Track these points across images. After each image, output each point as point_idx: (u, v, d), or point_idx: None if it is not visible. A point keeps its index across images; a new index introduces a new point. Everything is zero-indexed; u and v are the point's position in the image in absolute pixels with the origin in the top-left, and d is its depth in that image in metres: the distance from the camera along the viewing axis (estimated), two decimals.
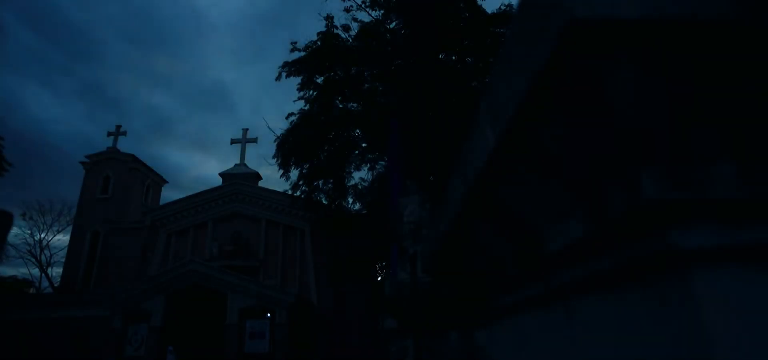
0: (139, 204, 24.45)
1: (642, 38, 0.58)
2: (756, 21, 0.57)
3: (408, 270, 4.30)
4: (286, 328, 15.25)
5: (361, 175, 23.79)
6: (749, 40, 0.58)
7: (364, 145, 16.67)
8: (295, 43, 16.06)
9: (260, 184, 23.20)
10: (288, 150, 16.25)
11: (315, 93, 16.13)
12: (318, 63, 15.82)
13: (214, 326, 15.25)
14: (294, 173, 16.67)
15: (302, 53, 16.04)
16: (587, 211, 0.78)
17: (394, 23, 15.85)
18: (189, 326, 15.92)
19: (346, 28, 15.90)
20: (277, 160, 16.59)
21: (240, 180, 22.00)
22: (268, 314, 15.39)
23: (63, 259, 23.35)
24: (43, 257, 27.77)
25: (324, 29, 15.87)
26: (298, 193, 16.93)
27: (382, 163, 15.77)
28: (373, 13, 15.99)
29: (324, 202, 17.41)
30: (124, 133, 25.67)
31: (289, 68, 16.12)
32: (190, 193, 22.17)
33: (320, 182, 16.92)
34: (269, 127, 19.58)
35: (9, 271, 31.05)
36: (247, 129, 23.85)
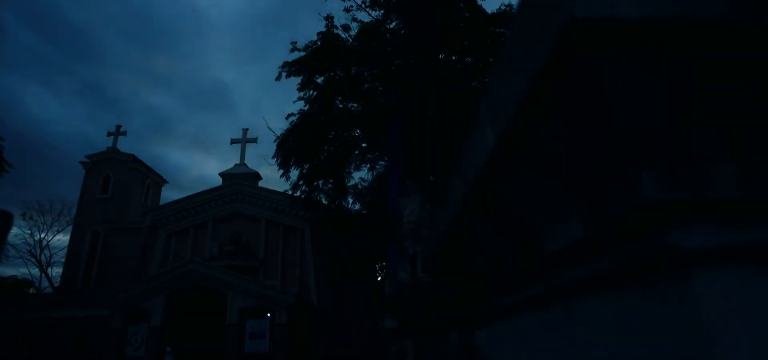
0: (139, 204, 24.46)
1: (642, 38, 0.58)
2: (756, 21, 0.57)
3: (408, 270, 4.30)
4: (286, 328, 15.25)
5: (361, 175, 23.82)
6: (749, 40, 0.58)
7: (364, 145, 16.68)
8: (295, 43, 16.08)
9: (260, 184, 23.20)
10: (288, 150, 16.25)
11: (315, 93, 16.13)
12: (318, 63, 15.82)
13: (214, 326, 15.25)
14: (294, 173, 16.69)
15: (302, 53, 16.05)
16: (587, 211, 0.78)
17: (394, 23, 15.86)
18: (189, 326, 15.92)
19: (346, 28, 15.91)
20: (277, 160, 16.60)
21: (240, 180, 22.00)
22: (268, 314, 15.38)
23: (63, 259, 23.38)
24: (43, 257, 27.80)
25: (324, 29, 15.88)
26: (298, 193, 16.93)
27: (382, 163, 15.77)
28: (373, 13, 16.00)
29: (324, 202, 17.42)
30: (124, 133, 25.67)
31: (289, 68, 16.12)
32: (190, 193, 22.19)
33: (320, 182, 16.92)
34: (269, 127, 19.61)
35: (9, 271, 31.12)
36: (247, 129, 23.87)
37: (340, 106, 16.44)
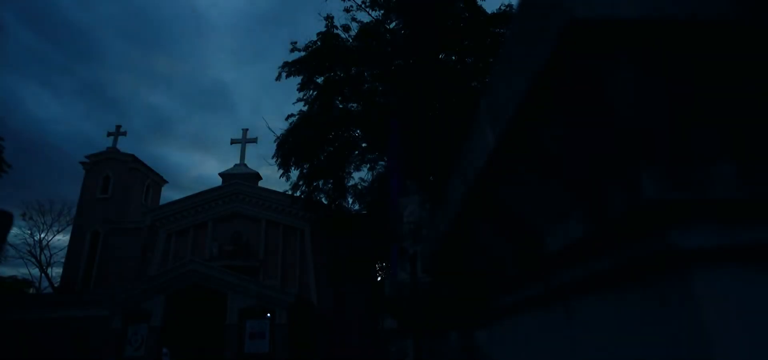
0: (139, 204, 24.46)
1: (642, 38, 0.58)
2: (756, 21, 0.57)
3: (408, 270, 4.30)
4: (286, 328, 15.25)
5: (361, 175, 23.82)
6: (749, 40, 0.58)
7: (364, 145, 16.68)
8: (295, 43, 16.08)
9: (260, 184, 23.21)
10: (288, 150, 16.25)
11: (315, 93, 16.13)
12: (318, 63, 15.82)
13: (214, 326, 15.25)
14: (294, 173, 16.69)
15: (302, 53, 16.05)
16: (587, 211, 0.78)
17: (394, 23, 15.85)
18: (189, 326, 15.92)
19: (346, 28, 15.91)
20: (277, 161, 16.60)
21: (240, 180, 22.00)
22: (268, 314, 15.39)
23: (63, 259, 23.38)
24: (43, 257, 27.81)
25: (324, 29, 15.88)
26: (298, 193, 16.93)
27: (382, 163, 15.78)
28: (373, 13, 16.00)
29: (324, 202, 17.42)
30: (124, 133, 25.68)
31: (289, 68, 16.12)
32: (190, 193, 22.20)
33: (320, 182, 16.92)
34: (269, 128, 19.61)
35: (9, 271, 31.16)
36: (247, 129, 23.87)
37: (340, 106, 16.44)
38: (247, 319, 15.26)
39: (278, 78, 16.26)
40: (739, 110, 0.62)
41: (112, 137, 25.29)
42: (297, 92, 16.27)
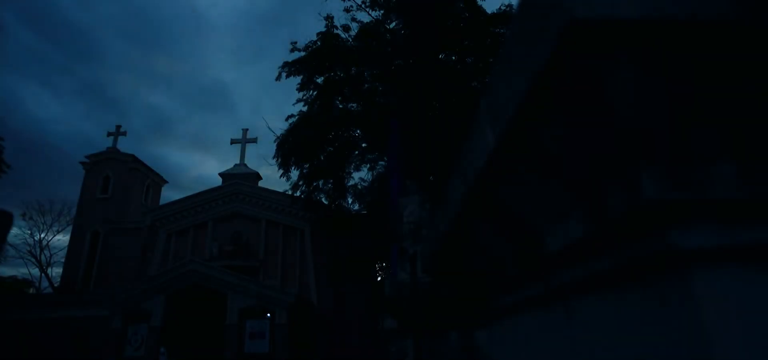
0: (139, 204, 24.45)
1: (642, 38, 0.58)
2: (756, 21, 0.57)
3: (408, 270, 4.30)
4: (286, 328, 15.24)
5: (361, 175, 23.80)
6: (749, 40, 0.58)
7: (364, 145, 16.68)
8: (295, 43, 16.08)
9: (260, 184, 23.20)
10: (288, 150, 16.25)
11: (315, 93, 16.13)
12: (318, 63, 15.82)
13: (214, 326, 15.24)
14: (294, 173, 16.69)
15: (302, 53, 16.05)
16: (587, 211, 0.78)
17: (394, 23, 15.85)
18: (189, 326, 15.92)
19: (346, 28, 15.91)
20: (277, 161, 16.60)
21: (240, 180, 22.00)
22: (268, 314, 15.38)
23: (63, 259, 23.37)
24: (43, 257, 27.81)
25: (324, 29, 15.88)
26: (298, 193, 16.93)
27: (382, 163, 15.77)
28: (373, 13, 16.00)
29: (324, 202, 17.42)
30: (124, 133, 25.67)
31: (289, 68, 16.12)
32: (190, 193, 22.18)
33: (320, 182, 16.92)
34: (269, 128, 19.61)
35: (9, 271, 31.15)
36: (247, 129, 23.86)
37: (340, 106, 16.44)
38: (247, 319, 15.26)
39: (278, 78, 16.27)
40: (739, 110, 0.62)
41: (112, 137, 25.29)
42: (297, 92, 16.28)
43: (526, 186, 0.94)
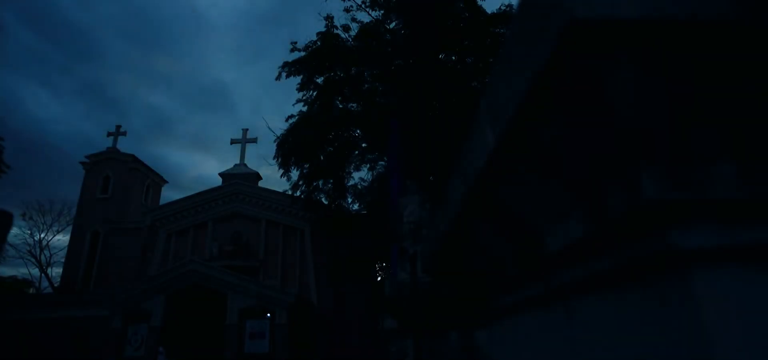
0: (139, 204, 24.46)
1: (642, 38, 0.58)
2: (756, 21, 0.57)
3: (408, 270, 4.31)
4: (286, 328, 15.24)
5: (361, 175, 23.79)
6: (749, 40, 0.58)
7: (364, 145, 16.68)
8: (295, 43, 16.09)
9: (260, 184, 23.20)
10: (288, 150, 16.26)
11: (315, 93, 16.14)
12: (318, 63, 15.82)
13: (214, 326, 15.25)
14: (294, 173, 16.69)
15: (302, 53, 16.05)
16: (587, 211, 0.78)
17: (394, 23, 15.86)
18: (189, 326, 15.91)
19: (346, 28, 15.91)
20: (278, 160, 16.61)
21: (240, 180, 22.00)
22: (268, 314, 15.38)
23: (63, 259, 23.38)
24: (43, 257, 27.81)
25: (324, 29, 15.88)
26: (298, 193, 16.93)
27: (382, 163, 15.78)
28: (373, 13, 16.00)
29: (324, 202, 17.42)
30: (124, 133, 25.68)
31: (289, 68, 16.13)
32: (190, 193, 22.19)
33: (320, 182, 16.93)
34: (269, 128, 19.61)
35: (9, 271, 31.12)
36: (247, 129, 23.87)
37: (340, 106, 16.44)
38: (247, 319, 15.26)
39: (278, 78, 16.28)
40: (739, 110, 0.62)
41: (112, 137, 25.30)
42: (297, 92, 16.30)
43: (526, 186, 0.94)
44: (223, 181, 22.50)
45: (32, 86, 77.63)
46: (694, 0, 0.57)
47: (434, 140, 12.63)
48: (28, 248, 27.72)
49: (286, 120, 16.49)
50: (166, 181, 28.76)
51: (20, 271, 33.71)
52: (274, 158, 16.73)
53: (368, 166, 16.99)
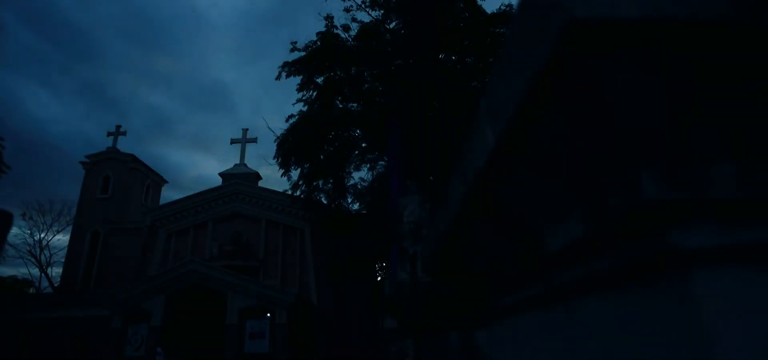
0: (139, 204, 24.45)
1: (642, 38, 0.58)
2: (756, 21, 0.57)
3: (408, 270, 4.31)
4: (286, 328, 15.24)
5: (361, 175, 23.79)
6: (749, 40, 0.58)
7: (364, 145, 16.68)
8: (295, 43, 16.08)
9: (260, 184, 23.19)
10: (288, 150, 16.25)
11: (315, 93, 16.14)
12: (318, 63, 15.82)
13: (214, 326, 15.24)
14: (294, 173, 16.69)
15: (302, 53, 16.05)
16: (587, 211, 0.78)
17: (394, 23, 15.86)
18: (189, 326, 15.91)
19: (346, 28, 15.91)
20: (278, 160, 16.61)
21: (240, 180, 21.99)
22: (268, 314, 15.38)
23: (63, 259, 23.36)
24: (43, 257, 27.79)
25: (324, 29, 15.88)
26: (298, 193, 16.93)
27: (382, 163, 15.78)
28: (373, 13, 16.00)
29: (324, 202, 17.42)
30: (124, 133, 25.67)
31: (289, 68, 16.12)
32: (190, 193, 22.18)
33: (320, 182, 16.92)
34: (269, 128, 19.61)
35: (9, 271, 31.13)
36: (247, 129, 23.86)
37: (340, 106, 16.44)
38: (247, 319, 15.25)
39: (278, 78, 16.27)
40: (739, 110, 0.62)
41: (112, 137, 25.29)
42: (297, 92, 16.29)
43: (526, 186, 0.94)
44: (223, 181, 22.49)
45: (32, 86, 77.75)
46: (694, 0, 0.57)
47: (434, 140, 12.63)
48: (28, 248, 27.74)
49: (286, 120, 16.51)
50: (166, 181, 28.76)
51: (20, 271, 33.74)
52: (274, 158, 16.75)
53: (368, 166, 17.01)
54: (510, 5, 14.96)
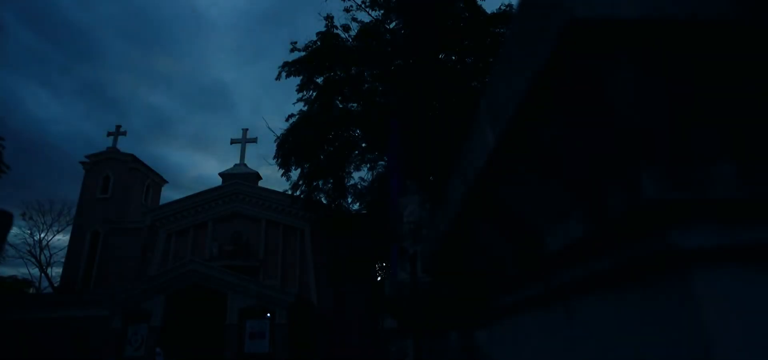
0: (139, 204, 24.45)
1: (642, 38, 0.58)
2: (756, 21, 0.57)
3: (408, 270, 4.31)
4: (286, 328, 15.24)
5: (361, 175, 23.77)
6: (749, 40, 0.58)
7: (364, 145, 16.68)
8: (295, 43, 16.09)
9: (260, 184, 23.20)
10: (288, 150, 16.26)
11: (315, 93, 16.14)
12: (318, 63, 15.82)
13: (214, 326, 15.25)
14: (294, 173, 16.70)
15: (302, 53, 16.05)
16: (587, 211, 0.78)
17: (394, 23, 15.86)
18: (189, 326, 15.91)
19: (346, 28, 15.92)
20: (278, 160, 16.62)
21: (240, 180, 22.00)
22: (268, 314, 15.38)
23: (63, 259, 23.36)
24: (43, 257, 27.79)
25: (324, 29, 15.88)
26: (298, 193, 16.94)
27: (382, 163, 15.78)
28: (373, 13, 16.01)
29: (324, 202, 17.43)
30: (124, 133, 25.67)
31: (289, 68, 16.13)
32: (190, 193, 22.19)
33: (320, 182, 16.93)
34: (269, 128, 19.61)
35: (9, 271, 31.11)
36: (247, 129, 23.87)
37: (340, 106, 16.45)
38: (247, 319, 15.26)
39: (278, 78, 16.28)
40: (739, 110, 0.62)
41: (112, 137, 25.29)
42: (297, 92, 16.29)
43: (526, 186, 0.94)
44: (223, 181, 22.50)
45: (32, 86, 77.74)
46: (694, 0, 0.57)
47: (434, 140, 12.63)
48: (28, 248, 27.73)
49: (286, 120, 16.51)
50: (166, 181, 28.76)
51: (20, 271, 33.71)
52: (274, 158, 16.76)
53: (368, 166, 17.01)
54: (510, 5, 14.97)
